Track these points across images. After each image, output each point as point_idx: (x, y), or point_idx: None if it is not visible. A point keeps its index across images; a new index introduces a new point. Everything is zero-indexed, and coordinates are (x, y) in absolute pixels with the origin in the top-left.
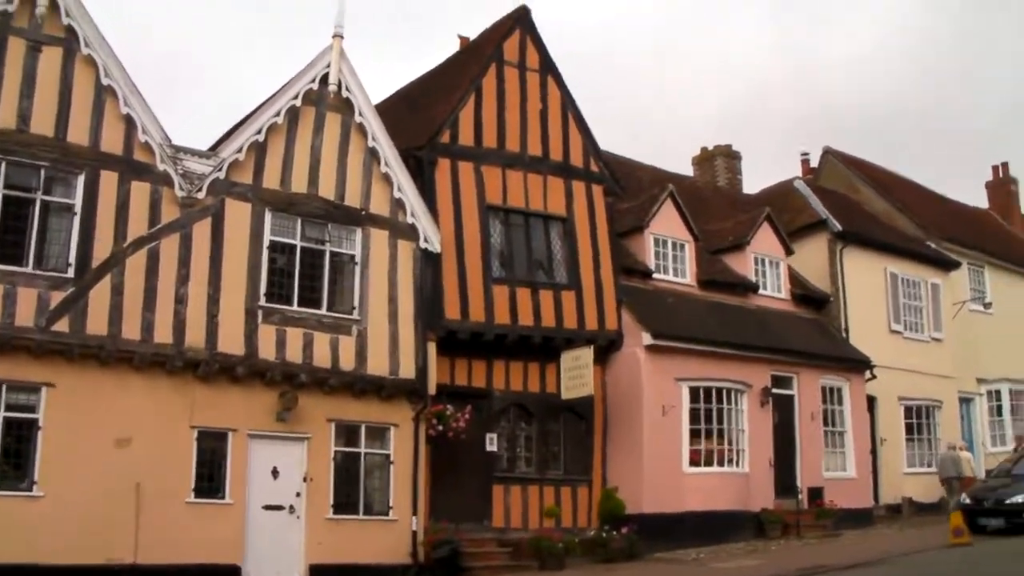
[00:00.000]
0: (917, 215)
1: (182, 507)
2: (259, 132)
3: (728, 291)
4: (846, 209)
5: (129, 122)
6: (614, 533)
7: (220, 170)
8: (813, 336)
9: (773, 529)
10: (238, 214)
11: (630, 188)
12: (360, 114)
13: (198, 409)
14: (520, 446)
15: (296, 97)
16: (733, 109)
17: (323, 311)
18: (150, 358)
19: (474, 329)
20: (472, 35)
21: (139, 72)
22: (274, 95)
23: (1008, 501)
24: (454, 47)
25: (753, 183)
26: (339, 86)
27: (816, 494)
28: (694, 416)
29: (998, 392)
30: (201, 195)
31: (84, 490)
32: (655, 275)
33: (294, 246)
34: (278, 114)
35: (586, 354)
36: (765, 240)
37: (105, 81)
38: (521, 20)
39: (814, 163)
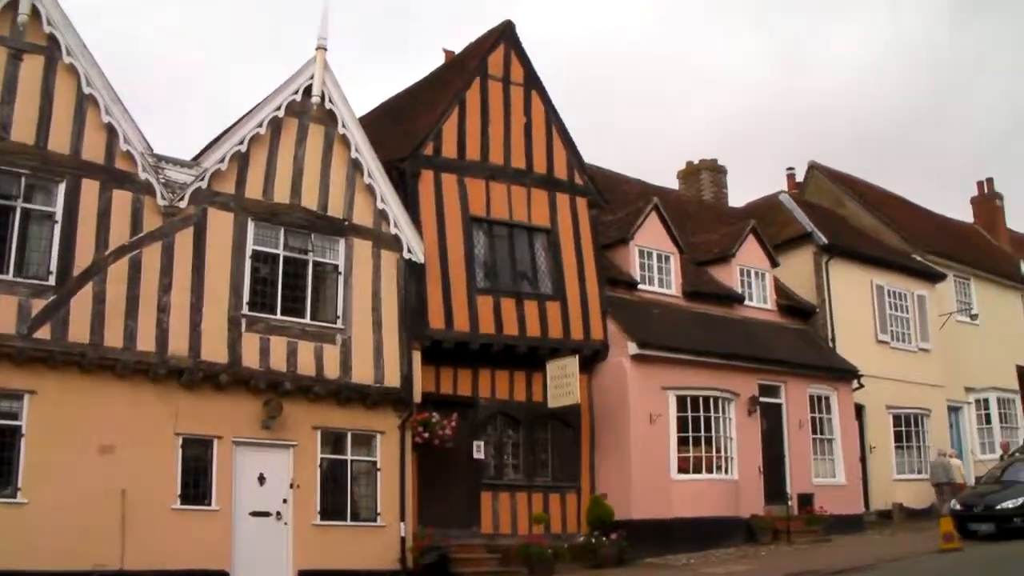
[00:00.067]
0: (903, 228)
1: (168, 514)
2: (241, 142)
3: (714, 302)
4: (831, 222)
5: (111, 131)
6: (603, 539)
7: (202, 180)
8: (799, 346)
9: (763, 535)
10: (221, 223)
11: (616, 201)
12: (343, 125)
13: (182, 417)
14: (508, 453)
15: (279, 108)
16: (720, 125)
17: (307, 320)
18: (133, 366)
19: (459, 339)
20: (457, 49)
21: (128, 82)
22: (257, 106)
23: (998, 507)
24: (439, 61)
25: (739, 198)
26: (322, 98)
27: (806, 500)
28: (682, 424)
29: (986, 401)
30: (183, 204)
31: (69, 497)
32: (640, 286)
33: (277, 255)
34: (260, 125)
35: (572, 363)
36: (751, 252)
37: (87, 90)
38: (506, 34)
39: (800, 178)
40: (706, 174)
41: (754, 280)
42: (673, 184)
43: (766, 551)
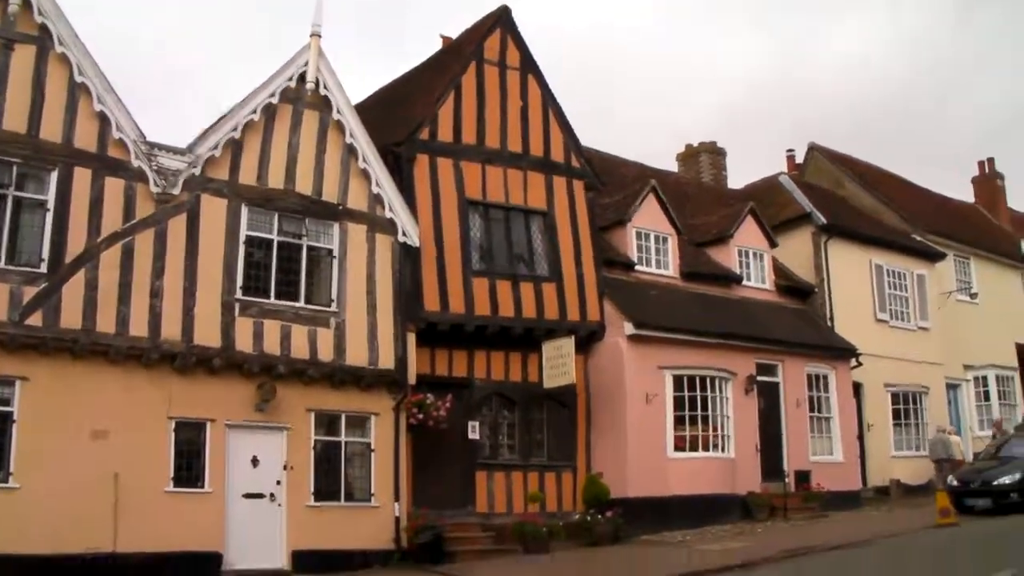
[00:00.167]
0: (903, 208)
1: (161, 496)
2: (235, 129)
3: (711, 282)
4: (830, 203)
5: (103, 119)
6: (599, 517)
7: (195, 167)
8: (798, 325)
9: (760, 512)
10: (214, 210)
11: (614, 184)
12: (338, 111)
13: (175, 401)
14: (503, 434)
15: (273, 95)
16: (720, 109)
17: (301, 304)
18: (125, 351)
19: (454, 320)
20: (455, 35)
21: (126, 76)
22: (251, 93)
23: (995, 482)
24: (436, 48)
25: (738, 180)
26: (317, 84)
27: (803, 477)
28: (678, 403)
29: (985, 378)
30: (176, 191)
31: (61, 481)
32: (637, 267)
33: (271, 241)
34: (254, 111)
35: (567, 344)
36: (749, 233)
37: (79, 79)
38: (502, 19)
39: (799, 159)
40: (705, 156)
41: (752, 261)
42: (673, 167)
43: (762, 528)
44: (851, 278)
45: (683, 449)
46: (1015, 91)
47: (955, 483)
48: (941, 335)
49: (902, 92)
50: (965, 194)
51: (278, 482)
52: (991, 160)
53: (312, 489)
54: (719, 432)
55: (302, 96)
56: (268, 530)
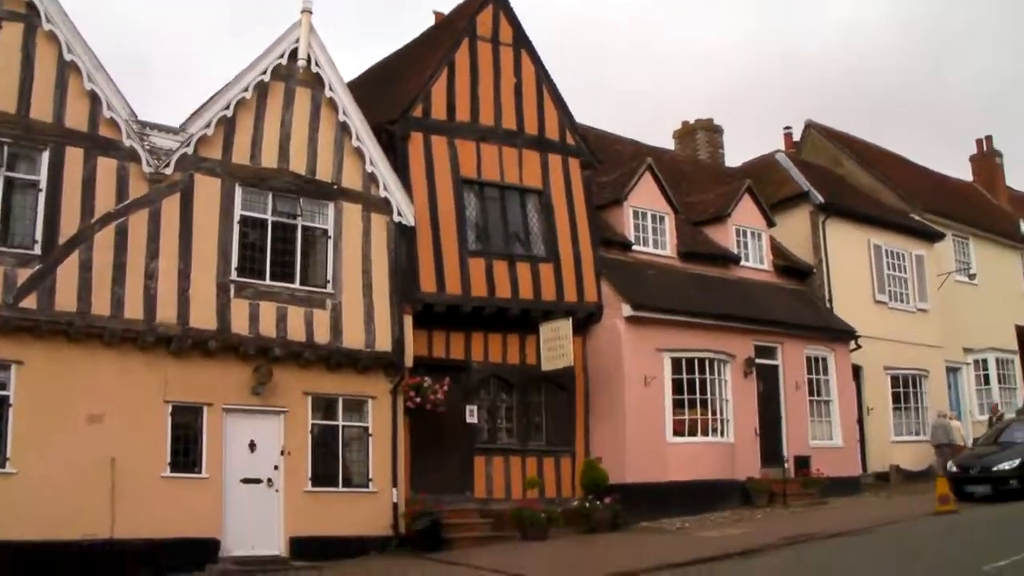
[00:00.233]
0: (901, 187)
1: (158, 481)
2: (227, 107)
3: (709, 262)
4: (828, 181)
5: (94, 98)
6: (597, 503)
7: (188, 145)
8: (796, 307)
9: (759, 498)
10: (208, 189)
11: (611, 162)
12: (330, 89)
13: (171, 384)
14: (501, 417)
15: (265, 72)
16: (718, 86)
17: (296, 285)
18: (120, 334)
19: (451, 302)
20: (447, 11)
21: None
22: (242, 71)
23: (995, 468)
24: (430, 24)
25: (735, 158)
26: (308, 61)
27: (803, 463)
28: (677, 386)
29: (984, 361)
30: (169, 171)
31: (58, 466)
32: (635, 247)
33: (265, 220)
34: (246, 89)
35: (565, 326)
36: (746, 212)
37: (68, 57)
38: None
39: (797, 137)
40: (702, 134)
41: (750, 240)
42: (670, 145)
43: (762, 514)
44: (849, 258)
45: (682, 434)
46: (1012, 60)
47: (954, 469)
48: (940, 317)
49: (897, 63)
50: (963, 173)
51: (276, 467)
52: (989, 138)
53: (310, 474)
54: (718, 416)
55: (294, 74)
56: (266, 516)
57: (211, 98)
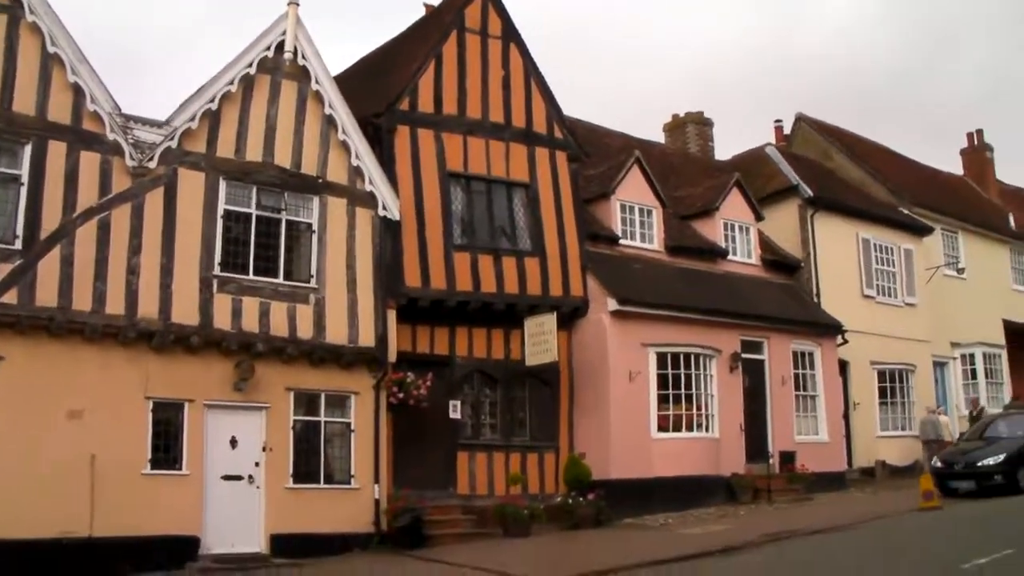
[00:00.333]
0: (890, 181)
1: (138, 479)
2: (212, 100)
3: (696, 257)
4: (818, 175)
5: (77, 91)
6: (580, 499)
7: (172, 139)
8: (783, 301)
9: (744, 494)
10: (191, 183)
11: (599, 155)
12: (317, 81)
13: (153, 380)
14: (484, 413)
15: (250, 65)
16: (708, 78)
17: (280, 280)
18: (102, 329)
19: (435, 296)
20: (437, 3)
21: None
22: (228, 64)
23: (979, 464)
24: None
25: (725, 151)
26: (295, 53)
27: (788, 458)
28: (662, 382)
29: (972, 356)
30: (153, 164)
31: (36, 463)
32: (622, 241)
33: (249, 215)
34: (232, 82)
35: (550, 320)
36: (735, 205)
37: (51, 49)
38: None
39: (787, 130)
40: (692, 127)
41: (738, 234)
42: (660, 138)
43: (746, 510)
44: (838, 252)
45: (667, 429)
46: (1004, 56)
47: (939, 464)
48: (928, 311)
49: (892, 48)
50: (955, 168)
51: (257, 464)
52: (980, 132)
53: (291, 471)
54: (703, 411)
55: (280, 66)
56: (246, 513)
57: (196, 91)
